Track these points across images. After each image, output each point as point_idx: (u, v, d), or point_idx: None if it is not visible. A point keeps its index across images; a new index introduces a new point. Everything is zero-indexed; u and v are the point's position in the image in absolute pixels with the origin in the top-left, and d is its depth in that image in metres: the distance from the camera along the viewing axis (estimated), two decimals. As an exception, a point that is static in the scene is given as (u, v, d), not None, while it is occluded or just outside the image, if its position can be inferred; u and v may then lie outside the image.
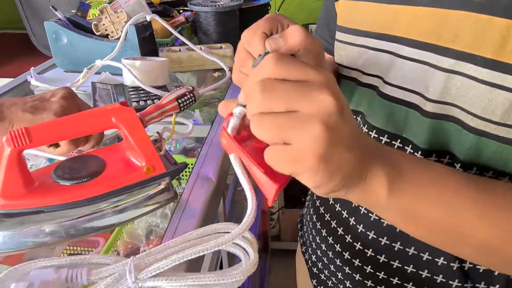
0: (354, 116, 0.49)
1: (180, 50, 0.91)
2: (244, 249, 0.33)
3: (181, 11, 1.12)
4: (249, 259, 0.32)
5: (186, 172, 0.55)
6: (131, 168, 0.43)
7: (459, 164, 0.37)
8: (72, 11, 1.01)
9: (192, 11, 1.03)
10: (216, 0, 0.98)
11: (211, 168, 0.50)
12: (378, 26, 0.43)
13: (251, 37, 0.33)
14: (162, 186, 0.44)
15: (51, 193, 0.40)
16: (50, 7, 0.89)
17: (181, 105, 0.48)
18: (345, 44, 0.48)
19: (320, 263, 0.55)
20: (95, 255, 0.33)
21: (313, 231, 0.56)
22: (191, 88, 0.50)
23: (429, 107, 0.37)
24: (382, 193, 0.29)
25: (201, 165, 0.51)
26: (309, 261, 0.59)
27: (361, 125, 0.46)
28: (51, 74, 0.92)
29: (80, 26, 0.91)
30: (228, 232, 0.32)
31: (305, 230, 0.62)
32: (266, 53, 0.32)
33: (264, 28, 0.33)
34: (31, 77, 0.85)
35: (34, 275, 0.31)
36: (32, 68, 0.88)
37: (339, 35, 0.49)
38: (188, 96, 0.49)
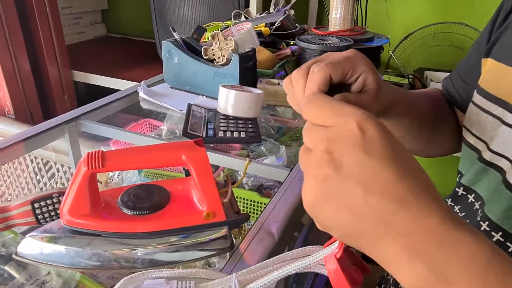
0: (466, 193, 0.41)
1: (279, 84, 0.90)
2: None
3: (291, 43, 1.12)
4: None
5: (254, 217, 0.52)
6: (192, 209, 0.41)
7: None
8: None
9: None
10: (325, 38, 0.95)
11: (275, 223, 0.46)
12: None
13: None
14: (219, 234, 0.41)
15: (112, 219, 0.40)
16: (170, 28, 0.96)
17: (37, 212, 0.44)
18: (479, 110, 0.41)
19: None
20: (200, 270, 0.35)
21: None
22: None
23: None
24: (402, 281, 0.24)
25: (266, 218, 0.47)
26: None
27: (478, 212, 0.37)
28: (158, 88, 0.99)
29: (192, 48, 0.96)
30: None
31: None
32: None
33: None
34: (141, 88, 0.93)
35: (148, 285, 0.33)
36: (143, 81, 0.95)
37: (476, 98, 0.42)
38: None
